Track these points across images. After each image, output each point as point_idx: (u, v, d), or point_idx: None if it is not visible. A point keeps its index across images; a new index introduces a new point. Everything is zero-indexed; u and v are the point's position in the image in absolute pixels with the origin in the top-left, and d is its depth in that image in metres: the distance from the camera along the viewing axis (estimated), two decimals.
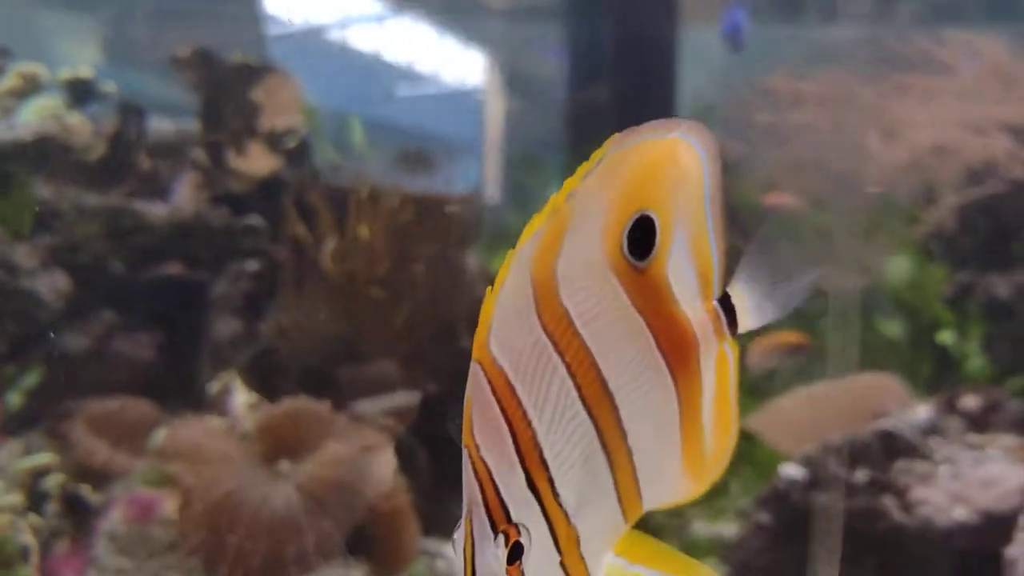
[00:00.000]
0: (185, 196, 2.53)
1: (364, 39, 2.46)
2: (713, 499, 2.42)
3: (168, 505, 1.58)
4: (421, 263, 2.24)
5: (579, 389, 0.56)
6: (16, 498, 1.74)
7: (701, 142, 0.56)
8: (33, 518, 1.73)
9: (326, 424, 1.71)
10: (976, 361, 2.42)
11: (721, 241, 0.58)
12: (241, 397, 1.91)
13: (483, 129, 2.86)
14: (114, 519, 1.55)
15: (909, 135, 3.08)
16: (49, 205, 2.30)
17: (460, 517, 0.56)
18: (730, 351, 0.60)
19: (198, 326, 2.42)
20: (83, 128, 2.59)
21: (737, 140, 3.66)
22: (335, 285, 2.11)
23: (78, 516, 1.77)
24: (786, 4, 4.05)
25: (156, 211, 2.40)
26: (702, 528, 2.37)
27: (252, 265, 2.40)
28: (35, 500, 1.82)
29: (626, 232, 0.55)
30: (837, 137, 3.15)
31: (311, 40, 2.80)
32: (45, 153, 2.36)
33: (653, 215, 0.55)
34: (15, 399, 2.00)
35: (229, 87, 2.98)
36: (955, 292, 2.58)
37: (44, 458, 1.83)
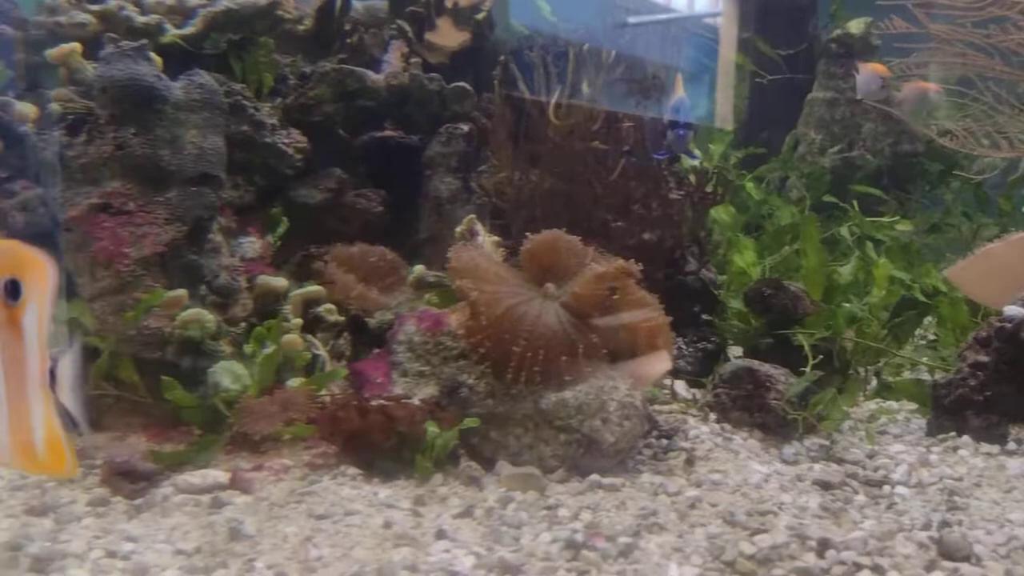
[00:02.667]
0: (395, 65, 2.66)
1: None
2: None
3: (452, 320, 1.76)
4: (631, 120, 2.33)
5: None
6: (298, 320, 1.96)
7: (49, 265, 0.96)
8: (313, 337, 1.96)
9: (580, 253, 1.85)
10: None
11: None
12: (484, 237, 2.07)
13: (717, 56, 2.86)
14: (409, 331, 1.75)
15: None
16: (279, 68, 2.47)
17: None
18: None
19: (415, 184, 2.59)
20: (288, 2, 2.71)
21: None
22: (556, 139, 2.21)
23: (358, 336, 1.99)
24: None
25: (375, 76, 2.54)
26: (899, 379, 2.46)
27: (464, 127, 2.53)
28: (308, 323, 2.04)
29: (7, 280, 0.94)
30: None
31: None
32: (268, 24, 2.50)
33: (22, 284, 0.93)
34: (272, 241, 2.20)
35: None
36: None
37: (315, 289, 2.04)
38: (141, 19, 2.21)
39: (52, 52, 1.79)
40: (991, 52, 3.12)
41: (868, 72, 2.96)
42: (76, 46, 1.81)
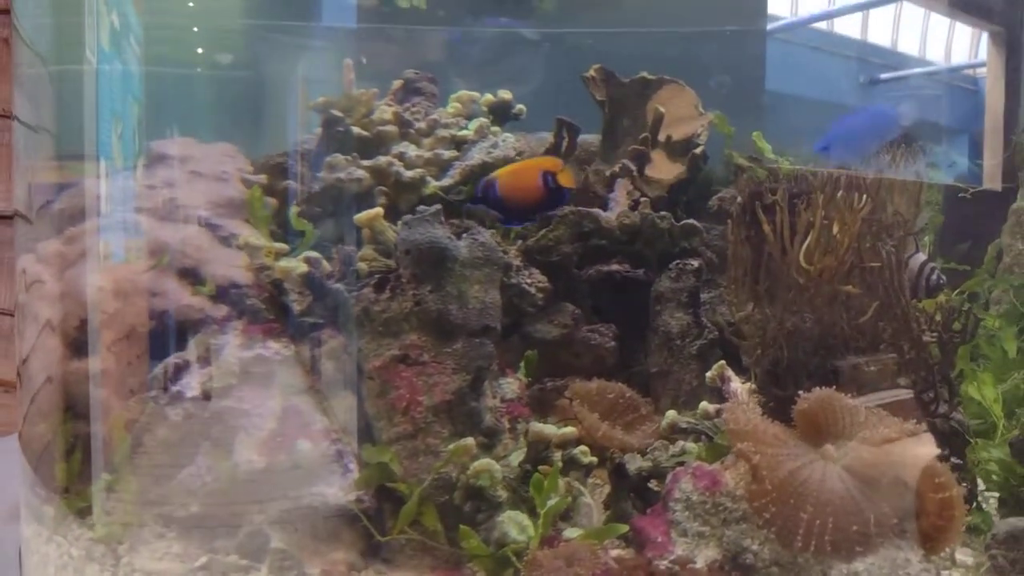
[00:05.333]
0: (622, 202, 2.77)
1: (852, 25, 2.51)
2: None
3: (728, 478, 1.76)
4: (877, 256, 2.29)
5: None
6: (559, 464, 2.01)
7: None
8: (581, 484, 2.00)
9: (853, 412, 1.81)
10: None
11: None
12: (736, 384, 2.07)
13: (981, 110, 2.82)
14: (685, 488, 1.76)
15: None
16: None
17: None
18: None
19: (639, 317, 2.65)
20: (515, 144, 2.90)
21: None
22: (807, 282, 2.21)
23: (619, 482, 2.02)
24: None
25: (607, 216, 2.66)
26: None
27: (694, 262, 2.58)
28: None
29: None
30: None
31: (799, 32, 2.89)
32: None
33: None
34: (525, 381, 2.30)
35: (628, 101, 3.21)
36: None
37: (570, 431, 2.10)
38: (408, 174, 2.43)
39: (360, 217, 2.00)
40: None
41: None
42: (379, 211, 2.01)
